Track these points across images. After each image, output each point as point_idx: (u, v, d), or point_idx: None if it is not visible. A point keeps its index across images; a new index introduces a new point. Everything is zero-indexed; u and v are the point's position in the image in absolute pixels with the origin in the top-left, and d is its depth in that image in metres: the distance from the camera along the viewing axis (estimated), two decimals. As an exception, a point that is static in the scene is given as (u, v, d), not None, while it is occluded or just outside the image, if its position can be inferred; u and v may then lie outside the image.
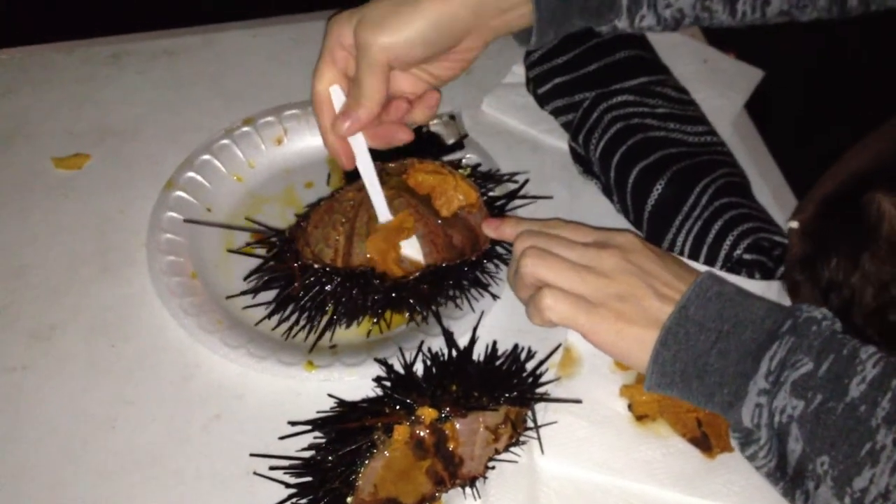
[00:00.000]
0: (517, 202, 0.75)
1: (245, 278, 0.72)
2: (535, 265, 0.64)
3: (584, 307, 0.62)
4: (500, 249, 0.72)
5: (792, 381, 0.55)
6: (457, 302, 0.71)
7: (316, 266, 0.66)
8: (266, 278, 0.69)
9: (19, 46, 0.95)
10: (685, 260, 0.70)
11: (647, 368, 0.60)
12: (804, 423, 0.54)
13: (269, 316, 0.70)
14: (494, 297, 0.72)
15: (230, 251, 0.75)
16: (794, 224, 0.67)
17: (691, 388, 0.59)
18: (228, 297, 0.72)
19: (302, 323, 0.69)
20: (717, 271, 0.66)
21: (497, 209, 0.73)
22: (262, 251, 0.71)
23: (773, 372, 0.56)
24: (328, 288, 0.66)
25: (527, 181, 0.77)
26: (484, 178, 0.74)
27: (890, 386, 0.53)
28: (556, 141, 0.87)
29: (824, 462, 0.54)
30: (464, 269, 0.69)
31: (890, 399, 0.53)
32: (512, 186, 0.76)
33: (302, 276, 0.66)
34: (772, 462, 0.57)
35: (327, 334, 0.69)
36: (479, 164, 0.78)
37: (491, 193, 0.73)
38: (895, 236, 0.58)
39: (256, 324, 0.70)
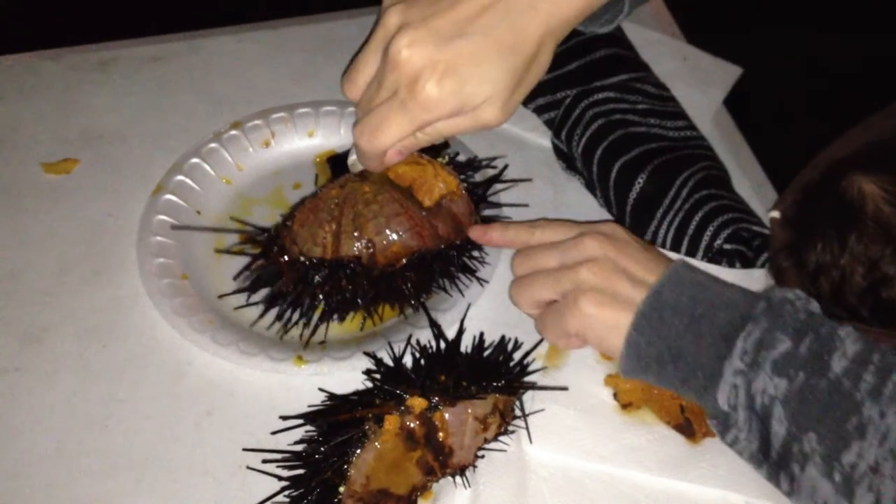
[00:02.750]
0: (498, 186, 0.77)
1: (235, 277, 0.73)
2: (519, 295, 0.67)
3: (564, 311, 0.63)
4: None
5: (772, 360, 0.56)
6: (446, 289, 0.72)
7: (303, 259, 0.67)
8: (256, 276, 0.70)
9: (7, 54, 0.95)
10: (667, 252, 0.71)
11: (621, 353, 0.61)
12: (788, 401, 0.55)
13: (263, 314, 0.71)
14: (482, 282, 0.73)
15: (219, 251, 0.76)
16: (776, 214, 0.68)
17: (666, 372, 0.60)
18: (221, 297, 0.73)
19: (295, 319, 0.70)
20: (690, 260, 0.68)
21: (478, 195, 0.74)
22: (250, 250, 0.72)
23: (749, 352, 0.57)
24: (318, 279, 0.68)
25: (506, 166, 0.78)
26: (463, 165, 0.76)
27: (871, 360, 0.54)
28: (539, 138, 0.88)
29: (811, 439, 0.54)
30: (450, 255, 0.70)
31: (872, 373, 0.54)
32: (491, 173, 0.78)
33: (290, 271, 0.67)
34: (753, 444, 0.58)
35: (320, 331, 0.70)
36: (457, 154, 0.80)
37: (471, 180, 0.75)
38: (881, 214, 0.59)
39: (252, 325, 0.71)
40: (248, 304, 0.72)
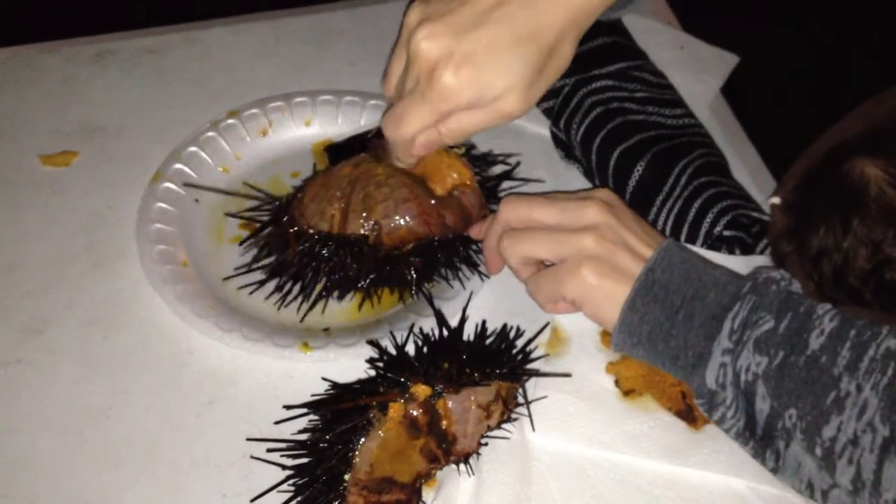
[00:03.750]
0: (508, 183, 0.77)
1: (241, 243, 0.74)
2: (511, 247, 0.66)
3: (563, 276, 0.63)
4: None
5: (755, 338, 0.57)
6: (448, 280, 0.72)
7: (311, 231, 0.68)
8: (262, 243, 0.71)
9: (4, 48, 0.95)
10: None
11: (615, 328, 0.62)
12: (769, 378, 0.56)
13: (264, 282, 0.71)
14: (483, 276, 0.73)
15: (227, 214, 0.77)
16: (776, 199, 0.68)
17: (656, 349, 0.61)
18: (225, 279, 0.74)
19: (295, 292, 0.70)
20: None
21: (489, 189, 0.74)
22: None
23: (737, 331, 0.58)
24: (323, 253, 0.68)
25: (518, 163, 0.79)
26: (477, 158, 0.76)
27: (848, 336, 0.55)
28: (538, 127, 0.88)
29: (792, 415, 0.55)
30: (455, 245, 0.70)
31: (849, 348, 0.54)
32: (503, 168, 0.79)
33: (297, 242, 0.68)
34: (740, 422, 0.59)
35: (321, 315, 0.71)
36: (472, 146, 0.80)
37: (484, 174, 0.75)
38: (884, 196, 0.60)
39: (251, 292, 0.72)
40: (252, 283, 0.72)
